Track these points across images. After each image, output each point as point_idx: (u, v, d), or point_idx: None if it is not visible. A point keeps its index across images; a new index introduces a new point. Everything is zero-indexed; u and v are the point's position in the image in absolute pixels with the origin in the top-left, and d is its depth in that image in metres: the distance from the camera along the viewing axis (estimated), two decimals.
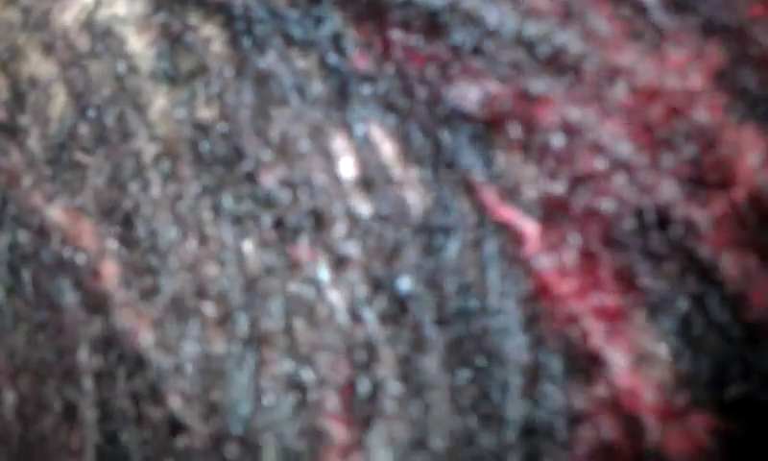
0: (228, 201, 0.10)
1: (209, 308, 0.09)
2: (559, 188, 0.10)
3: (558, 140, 0.10)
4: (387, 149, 0.10)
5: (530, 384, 0.10)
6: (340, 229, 0.10)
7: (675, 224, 0.10)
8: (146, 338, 0.09)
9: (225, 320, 0.09)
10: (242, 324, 0.09)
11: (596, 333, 0.10)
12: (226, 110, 0.11)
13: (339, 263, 0.09)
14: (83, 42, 0.12)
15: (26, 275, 0.10)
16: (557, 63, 0.10)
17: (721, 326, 0.10)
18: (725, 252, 0.10)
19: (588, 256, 0.10)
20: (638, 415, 0.10)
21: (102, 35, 0.12)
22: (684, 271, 0.10)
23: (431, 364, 0.09)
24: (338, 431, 0.09)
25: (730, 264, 0.10)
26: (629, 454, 0.10)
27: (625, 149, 0.10)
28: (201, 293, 0.09)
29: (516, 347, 0.09)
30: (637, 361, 0.10)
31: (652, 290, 0.10)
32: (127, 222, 0.10)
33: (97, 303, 0.10)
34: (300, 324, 0.09)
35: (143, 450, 0.09)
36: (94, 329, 0.10)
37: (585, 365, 0.10)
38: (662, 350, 0.10)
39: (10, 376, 0.10)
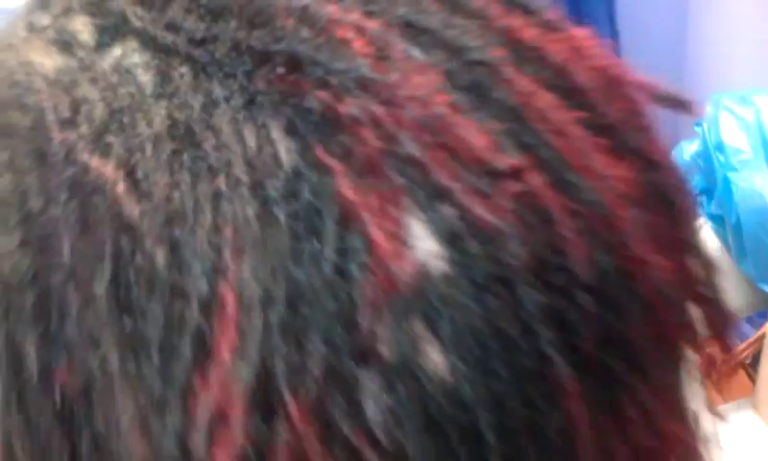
0: (186, 157, 0.18)
1: (173, 207, 0.17)
2: (363, 147, 0.17)
3: (363, 119, 0.17)
4: (275, 131, 0.18)
5: (342, 259, 0.17)
6: (240, 169, 0.17)
7: (424, 166, 0.17)
8: (135, 214, 0.17)
9: (179, 213, 0.17)
10: (189, 214, 0.17)
11: (378, 227, 0.17)
12: (187, 111, 0.18)
13: (237, 185, 0.17)
14: (114, 78, 0.19)
15: (77, 191, 0.18)
16: (363, 83, 0.18)
17: (462, 228, 0.18)
18: (454, 182, 0.17)
19: (376, 185, 0.17)
20: (399, 274, 0.17)
21: (125, 72, 0.20)
22: (431, 194, 0.17)
23: (280, 237, 0.17)
24: (229, 263, 0.16)
25: (459, 191, 0.17)
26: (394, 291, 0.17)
27: (392, 124, 0.17)
28: (170, 201, 0.17)
29: (332, 231, 0.17)
30: (399, 242, 0.17)
31: (422, 203, 0.17)
32: (132, 168, 0.18)
33: (112, 202, 0.17)
34: (218, 203, 0.17)
35: (133, 281, 0.17)
36: (112, 215, 0.17)
37: (373, 245, 0.17)
38: (427, 241, 0.17)
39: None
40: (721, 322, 0.24)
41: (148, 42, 0.19)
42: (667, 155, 0.22)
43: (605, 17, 1.54)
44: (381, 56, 0.18)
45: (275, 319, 0.16)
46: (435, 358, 0.17)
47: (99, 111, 0.18)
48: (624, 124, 0.20)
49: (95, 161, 0.18)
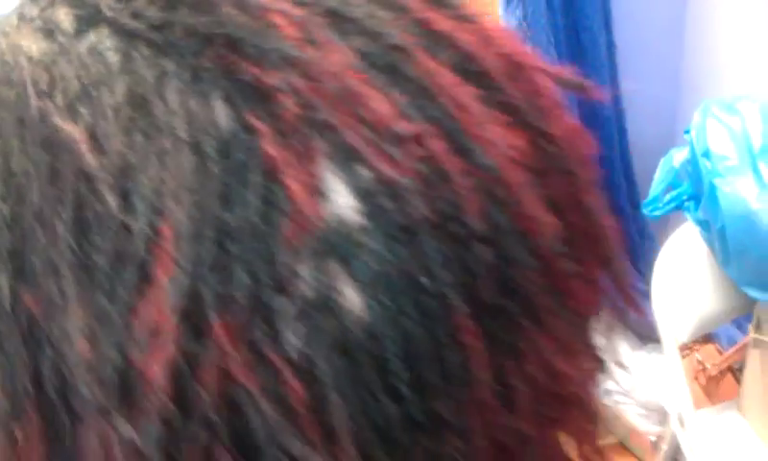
0: (139, 121, 0.21)
1: (126, 162, 0.20)
2: (285, 113, 0.20)
3: (286, 89, 0.20)
4: (214, 100, 0.21)
5: (265, 205, 0.19)
6: (183, 131, 0.20)
7: (337, 130, 0.20)
8: (94, 167, 0.20)
9: (131, 166, 0.20)
10: (139, 167, 0.20)
11: (296, 179, 0.20)
12: (143, 84, 0.21)
13: (179, 144, 0.20)
14: (88, 59, 0.21)
15: (48, 149, 0.21)
16: (288, 59, 0.21)
17: (372, 184, 0.19)
18: (364, 144, 0.20)
19: (295, 145, 0.20)
20: (315, 220, 0.19)
21: (97, 54, 0.21)
22: (344, 153, 0.20)
23: (212, 186, 0.19)
24: (169, 206, 0.19)
25: (369, 152, 0.20)
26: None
27: (310, 94, 0.20)
28: (124, 156, 0.20)
29: (256, 182, 0.19)
30: (314, 193, 0.19)
31: (337, 161, 0.19)
32: (96, 130, 0.21)
33: (77, 158, 0.20)
34: (163, 158, 0.19)
35: (90, 221, 0.20)
36: (75, 168, 0.20)
37: (291, 194, 0.20)
38: (342, 195, 0.19)
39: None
40: (622, 280, 0.26)
41: (117, 29, 0.22)
42: (569, 131, 0.24)
43: (601, 27, 1.56)
44: (306, 38, 0.21)
45: (204, 253, 0.19)
46: (349, 295, 0.19)
47: (73, 86, 0.21)
48: (525, 103, 0.23)
49: (65, 125, 0.20)
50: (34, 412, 0.20)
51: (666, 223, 1.37)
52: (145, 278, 0.19)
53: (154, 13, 0.22)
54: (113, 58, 0.21)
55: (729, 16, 1.59)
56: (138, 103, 0.20)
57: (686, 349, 1.56)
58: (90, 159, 0.20)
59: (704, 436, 1.25)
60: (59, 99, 0.21)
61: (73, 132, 0.21)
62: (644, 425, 1.71)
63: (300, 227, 0.19)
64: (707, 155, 1.15)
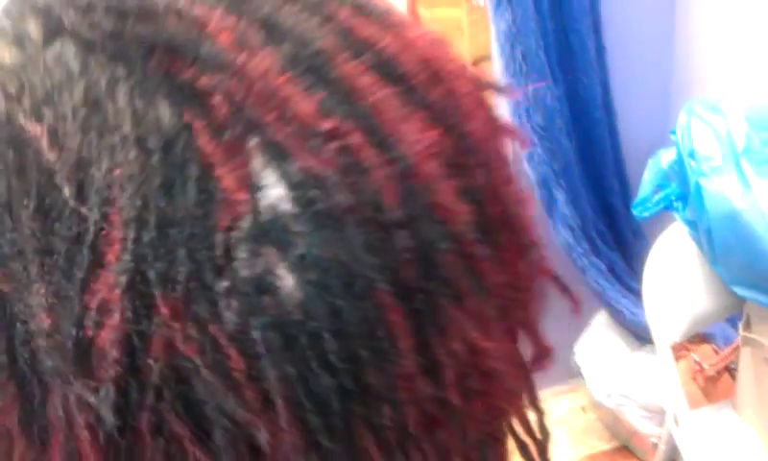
0: (94, 120, 0.22)
1: (81, 156, 0.22)
2: (219, 112, 0.22)
3: (219, 90, 0.22)
4: (157, 100, 0.22)
5: (201, 195, 0.21)
6: (130, 129, 0.21)
7: (265, 126, 0.22)
8: (54, 161, 0.22)
9: (85, 160, 0.22)
10: (92, 160, 0.21)
11: (229, 172, 0.22)
12: (98, 87, 0.22)
13: (126, 140, 0.22)
14: (53, 66, 0.23)
15: (13, 146, 0.22)
16: (222, 64, 0.23)
17: (299, 176, 0.21)
18: (289, 139, 0.21)
19: (228, 141, 0.22)
20: (247, 209, 0.21)
21: (61, 61, 0.24)
22: (272, 148, 0.22)
23: (155, 178, 0.22)
24: (116, 196, 0.22)
25: (294, 147, 0.23)
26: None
27: (241, 94, 0.21)
28: (79, 152, 0.23)
29: (194, 174, 0.21)
30: (246, 184, 0.20)
31: (265, 155, 0.21)
32: (56, 129, 0.22)
33: (38, 154, 0.22)
34: (113, 153, 0.22)
35: (49, 209, 0.22)
36: (37, 163, 0.22)
37: (225, 186, 0.22)
38: (273, 185, 0.21)
39: None
40: (543, 267, 0.28)
41: (77, 38, 0.24)
42: (487, 128, 0.27)
43: (590, 29, 1.56)
44: (238, 44, 0.23)
45: (147, 237, 0.20)
46: (284, 276, 0.21)
47: (38, 90, 0.23)
48: (442, 102, 0.25)
49: (29, 125, 0.22)
50: (9, 381, 0.22)
51: (659, 223, 1.39)
52: (97, 260, 0.21)
53: (107, 24, 0.24)
54: (74, 65, 0.24)
55: (717, 17, 1.60)
56: (93, 105, 0.23)
57: (683, 349, 1.56)
58: (50, 156, 0.22)
59: (701, 435, 1.25)
60: (25, 102, 0.24)
61: (36, 131, 0.23)
62: (646, 427, 1.71)
63: (233, 214, 0.21)
64: (692, 155, 1.17)
